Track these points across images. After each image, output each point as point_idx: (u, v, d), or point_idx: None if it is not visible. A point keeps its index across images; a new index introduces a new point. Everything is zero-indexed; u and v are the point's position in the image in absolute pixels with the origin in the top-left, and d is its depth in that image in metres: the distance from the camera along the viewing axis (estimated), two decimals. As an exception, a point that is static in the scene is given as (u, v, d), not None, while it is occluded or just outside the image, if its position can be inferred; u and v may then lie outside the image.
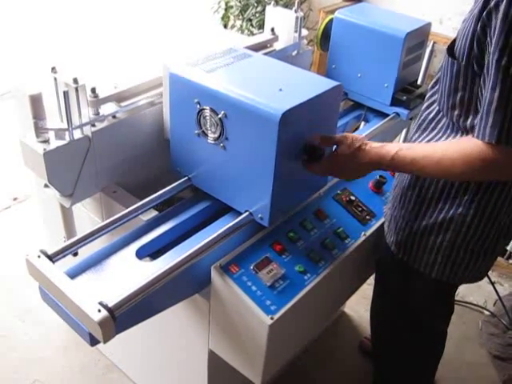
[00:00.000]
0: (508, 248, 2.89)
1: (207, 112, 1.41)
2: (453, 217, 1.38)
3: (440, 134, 1.37)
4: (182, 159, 1.59)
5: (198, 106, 1.42)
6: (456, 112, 1.30)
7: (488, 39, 1.13)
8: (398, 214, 1.51)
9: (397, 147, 1.30)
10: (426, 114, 1.44)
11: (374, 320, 1.90)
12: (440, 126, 1.38)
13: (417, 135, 1.45)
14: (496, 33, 1.09)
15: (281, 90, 1.39)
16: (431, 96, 1.43)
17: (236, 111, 1.35)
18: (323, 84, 1.44)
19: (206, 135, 1.45)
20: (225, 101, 1.36)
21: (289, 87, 1.41)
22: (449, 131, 1.35)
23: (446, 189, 1.38)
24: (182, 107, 1.49)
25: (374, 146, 1.34)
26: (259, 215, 1.45)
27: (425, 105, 1.46)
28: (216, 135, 1.42)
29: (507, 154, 1.14)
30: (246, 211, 1.47)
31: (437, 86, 1.40)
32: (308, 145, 1.42)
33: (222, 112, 1.37)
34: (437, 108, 1.39)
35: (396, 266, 1.60)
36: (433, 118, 1.40)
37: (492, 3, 1.10)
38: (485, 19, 1.12)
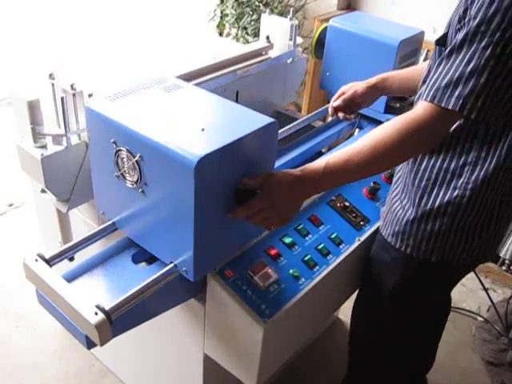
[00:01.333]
0: (501, 255, 2.91)
1: (124, 153, 1.28)
2: (449, 201, 1.40)
3: None
4: (106, 202, 1.48)
5: (115, 146, 1.30)
6: None
7: (465, 21, 1.19)
8: (399, 206, 1.53)
9: (325, 158, 1.31)
10: None
11: (359, 322, 1.87)
12: None
13: None
14: (474, 10, 1.16)
15: (203, 129, 1.25)
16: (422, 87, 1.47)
17: (151, 154, 1.23)
18: (255, 121, 1.29)
19: (125, 178, 1.32)
20: (140, 142, 1.24)
21: (214, 126, 1.28)
22: None
23: (441, 173, 1.40)
24: (100, 146, 1.36)
25: (304, 167, 1.32)
26: (183, 268, 1.32)
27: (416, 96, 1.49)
28: (134, 179, 1.30)
29: (441, 112, 1.21)
30: (170, 262, 1.35)
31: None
32: (238, 190, 1.28)
33: (138, 155, 1.25)
34: None
35: (392, 260, 1.59)
36: None
37: None
38: (468, 2, 1.19)
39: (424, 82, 1.46)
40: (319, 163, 1.30)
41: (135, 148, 1.25)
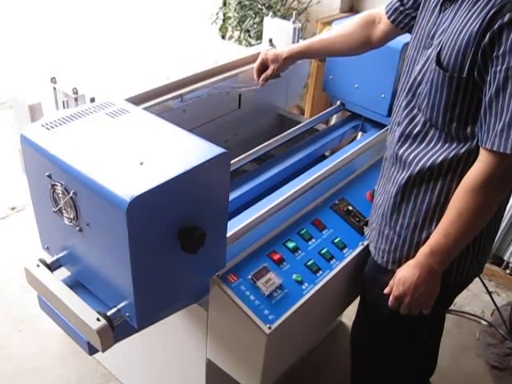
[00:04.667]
0: (505, 258, 2.90)
1: (59, 189, 1.18)
2: None
3: (431, 146, 1.38)
4: (49, 236, 1.37)
5: (50, 180, 1.19)
6: (454, 125, 1.31)
7: (498, 53, 1.16)
8: (391, 232, 1.50)
9: (426, 246, 1.37)
10: (409, 129, 1.42)
11: (359, 336, 1.86)
12: (429, 138, 1.39)
13: (403, 149, 1.44)
14: (508, 43, 1.14)
15: (142, 163, 1.13)
16: (411, 110, 1.42)
17: (84, 192, 1.13)
18: (202, 153, 1.16)
19: (63, 215, 1.22)
20: (74, 178, 1.13)
21: (154, 159, 1.15)
22: (441, 142, 1.36)
23: (443, 195, 1.38)
24: (37, 178, 1.25)
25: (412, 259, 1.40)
26: (127, 314, 1.22)
27: (407, 119, 1.43)
28: (71, 216, 1.19)
29: (502, 157, 1.20)
30: (114, 306, 1.24)
31: (415, 100, 1.41)
32: (183, 230, 1.16)
33: (72, 191, 1.15)
34: (422, 120, 1.39)
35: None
36: (419, 132, 1.40)
37: (506, 19, 1.14)
38: (495, 33, 1.16)
39: (413, 95, 1.42)
40: (422, 249, 1.38)
41: (69, 183, 1.15)
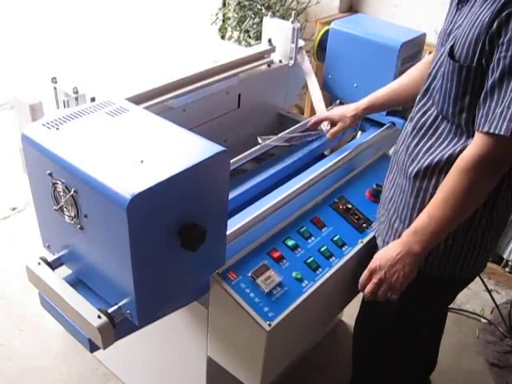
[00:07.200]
0: (505, 256, 2.91)
1: (60, 187, 1.19)
2: None
3: (441, 139, 1.39)
4: (50, 235, 1.38)
5: (51, 178, 1.20)
6: (464, 115, 1.33)
7: (504, 39, 1.17)
8: (401, 226, 1.50)
9: (411, 226, 1.37)
10: (422, 122, 1.44)
11: (362, 332, 1.87)
12: (440, 131, 1.40)
13: (415, 142, 1.46)
14: None
15: (142, 161, 1.14)
16: (425, 104, 1.45)
17: (85, 189, 1.13)
18: (202, 151, 1.17)
19: (64, 213, 1.23)
20: (74, 176, 1.14)
21: (155, 157, 1.16)
22: (451, 135, 1.37)
23: None
24: (38, 176, 1.27)
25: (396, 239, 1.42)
26: (127, 311, 1.23)
27: (419, 113, 1.46)
28: (72, 214, 1.20)
29: (495, 139, 1.21)
30: (115, 304, 1.25)
31: (429, 94, 1.43)
32: (184, 227, 1.17)
33: (73, 189, 1.15)
34: (434, 114, 1.41)
35: None
36: (431, 124, 1.42)
37: None
38: (503, 21, 1.17)
39: (427, 89, 1.44)
40: (408, 230, 1.39)
41: (70, 181, 1.16)
